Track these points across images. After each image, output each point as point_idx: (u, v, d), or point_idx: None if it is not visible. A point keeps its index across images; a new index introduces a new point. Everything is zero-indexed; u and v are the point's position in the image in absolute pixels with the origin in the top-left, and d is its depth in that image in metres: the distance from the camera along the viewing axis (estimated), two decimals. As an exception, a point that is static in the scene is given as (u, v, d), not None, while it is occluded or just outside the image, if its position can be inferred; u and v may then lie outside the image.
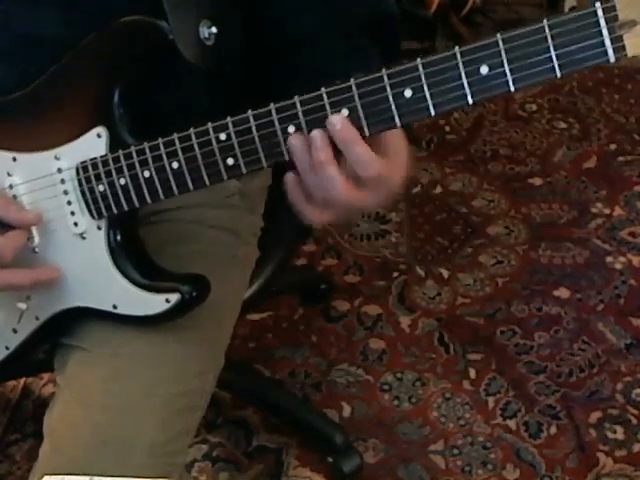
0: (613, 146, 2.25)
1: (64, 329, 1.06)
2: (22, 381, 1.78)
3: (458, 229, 2.07)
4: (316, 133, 0.85)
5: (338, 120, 0.84)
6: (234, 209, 1.16)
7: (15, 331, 1.05)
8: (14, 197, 1.01)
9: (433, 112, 0.83)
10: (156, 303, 0.98)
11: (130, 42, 0.95)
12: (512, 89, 0.80)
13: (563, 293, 1.91)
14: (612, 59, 0.76)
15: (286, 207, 1.17)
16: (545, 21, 0.77)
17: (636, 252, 1.98)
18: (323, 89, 0.85)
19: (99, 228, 0.98)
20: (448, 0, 2.54)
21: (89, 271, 0.99)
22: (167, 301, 0.97)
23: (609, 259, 1.97)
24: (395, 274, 1.97)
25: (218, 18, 0.95)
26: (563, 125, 2.33)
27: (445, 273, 1.97)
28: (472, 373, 1.76)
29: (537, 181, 2.17)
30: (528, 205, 2.11)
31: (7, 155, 1.00)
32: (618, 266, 1.95)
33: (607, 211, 2.08)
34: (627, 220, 2.06)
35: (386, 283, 1.95)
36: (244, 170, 0.90)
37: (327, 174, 0.85)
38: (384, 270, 1.98)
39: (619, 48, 0.76)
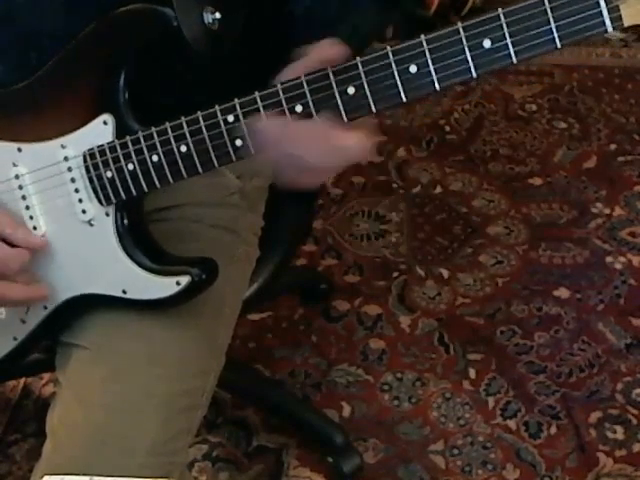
0: (613, 146, 2.25)
1: (68, 324, 1.06)
2: (22, 381, 1.78)
3: (458, 229, 2.07)
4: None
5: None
6: (234, 208, 1.17)
7: (23, 321, 1.05)
8: (20, 187, 1.01)
9: (438, 86, 0.85)
10: (166, 286, 0.98)
11: (135, 29, 0.95)
12: (514, 61, 0.83)
13: (563, 293, 1.91)
14: (610, 29, 0.79)
15: (286, 207, 1.18)
16: None
17: (636, 252, 1.98)
18: (329, 68, 0.86)
19: (107, 215, 0.99)
20: (448, 0, 2.54)
21: (97, 257, 1.00)
22: (177, 284, 0.97)
23: (609, 259, 1.97)
24: (395, 274, 1.97)
25: (221, 4, 0.96)
26: (563, 125, 2.32)
27: (445, 273, 1.97)
28: (472, 373, 1.76)
29: (537, 181, 2.17)
30: (528, 205, 2.11)
31: (12, 146, 1.01)
32: (618, 266, 1.95)
33: (607, 211, 2.08)
34: (627, 220, 2.06)
35: (386, 283, 1.95)
36: (253, 151, 0.91)
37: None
38: (384, 270, 1.98)
39: (616, 18, 0.79)
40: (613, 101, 2.39)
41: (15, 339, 1.07)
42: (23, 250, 0.99)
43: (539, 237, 2.03)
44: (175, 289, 0.98)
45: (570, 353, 1.79)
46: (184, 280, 0.97)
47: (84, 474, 0.82)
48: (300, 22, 1.02)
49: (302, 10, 1.02)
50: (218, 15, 0.95)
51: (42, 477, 0.87)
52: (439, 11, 2.49)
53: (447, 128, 2.34)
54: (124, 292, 1.00)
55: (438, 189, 2.17)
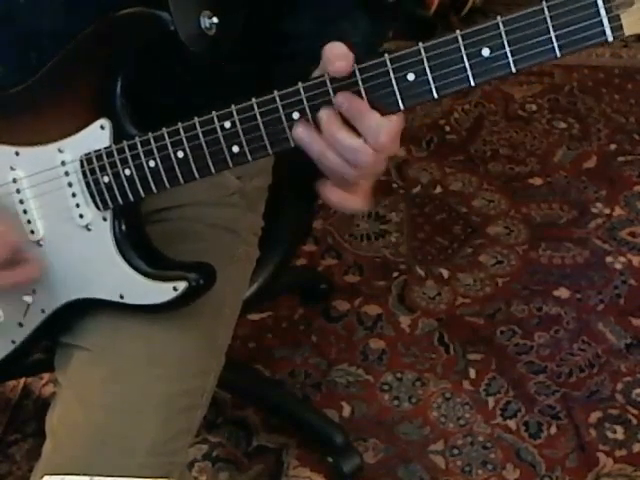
0: (613, 146, 2.25)
1: (67, 325, 1.06)
2: (22, 381, 1.78)
3: (458, 229, 2.07)
4: (322, 113, 0.86)
5: (343, 99, 0.85)
6: (234, 208, 1.17)
7: (21, 325, 1.05)
8: (17, 191, 1.01)
9: (436, 95, 0.84)
10: (163, 292, 0.98)
11: (132, 33, 0.95)
12: (513, 70, 0.82)
13: (563, 293, 1.91)
14: (610, 38, 0.79)
15: (286, 207, 1.17)
16: (544, 3, 0.79)
17: (636, 252, 1.98)
18: (326, 75, 0.85)
19: (104, 219, 0.98)
20: (448, 0, 2.54)
21: (95, 262, 1.00)
22: (175, 289, 0.97)
23: (609, 259, 1.97)
24: (395, 274, 1.97)
25: (218, 8, 0.96)
26: (563, 125, 2.32)
27: (445, 273, 1.97)
28: (472, 373, 1.76)
29: (537, 181, 2.17)
30: (528, 205, 2.11)
31: (10, 149, 1.01)
32: (618, 266, 1.95)
33: (607, 211, 2.08)
34: (627, 220, 2.06)
35: (386, 283, 1.95)
36: (250, 158, 0.91)
37: (346, 144, 0.85)
38: (384, 270, 1.98)
39: (617, 27, 0.78)
40: (613, 101, 2.39)
41: (13, 342, 1.06)
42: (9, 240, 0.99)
43: (539, 237, 2.03)
44: (172, 294, 0.98)
45: (570, 353, 1.79)
46: (181, 286, 0.97)
47: (84, 474, 0.82)
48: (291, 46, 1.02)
49: (293, 32, 1.02)
50: (215, 19, 0.95)
51: (42, 477, 0.87)
52: (439, 11, 2.49)
53: (447, 128, 2.34)
54: (121, 297, 1.00)
55: (438, 189, 2.17)
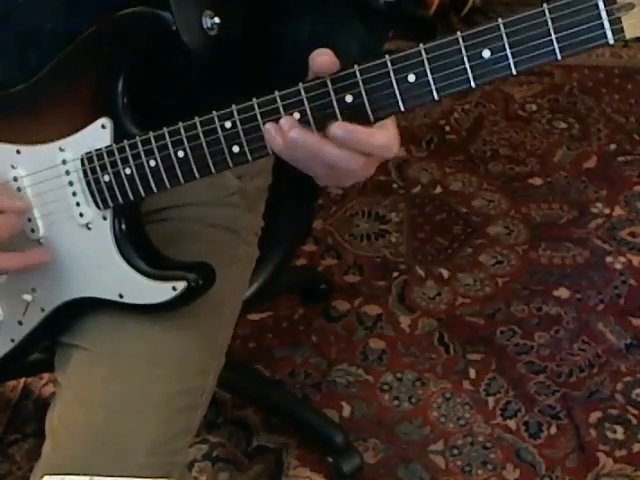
0: (613, 146, 2.25)
1: (67, 325, 1.06)
2: (22, 381, 1.78)
3: (458, 229, 2.07)
4: (282, 120, 0.87)
5: (339, 130, 0.85)
6: (234, 208, 1.17)
7: (21, 323, 1.05)
8: (18, 189, 1.01)
9: (437, 96, 0.84)
10: (163, 291, 0.98)
11: (133, 33, 0.95)
12: (514, 72, 0.82)
13: (563, 293, 1.91)
14: (611, 41, 0.79)
15: (286, 207, 1.17)
16: (545, 5, 0.79)
17: (636, 252, 1.98)
18: (327, 76, 0.86)
19: (104, 218, 0.99)
20: (448, 0, 2.54)
21: (95, 261, 1.00)
22: (174, 289, 0.98)
23: (609, 259, 1.97)
24: (395, 274, 1.97)
25: (220, 8, 0.96)
26: (563, 125, 2.32)
27: (445, 273, 1.97)
28: (472, 373, 1.76)
29: (537, 181, 2.17)
30: (528, 205, 2.11)
31: (11, 148, 1.01)
32: (618, 266, 1.95)
33: (607, 211, 2.08)
34: (627, 220, 2.06)
35: (386, 283, 1.95)
36: (250, 157, 0.91)
37: (351, 166, 0.87)
38: (384, 270, 1.98)
39: (617, 30, 0.78)
40: (613, 101, 2.39)
41: (12, 341, 1.07)
42: (11, 216, 0.98)
43: (539, 237, 2.03)
44: (171, 294, 0.98)
45: (570, 353, 1.79)
46: (180, 285, 0.97)
47: (84, 474, 0.82)
48: (289, 48, 1.02)
49: (292, 38, 1.02)
50: (217, 20, 0.95)
51: (42, 477, 0.87)
52: (439, 11, 2.49)
53: (447, 128, 2.34)
54: (120, 296, 1.00)
55: (438, 189, 2.17)
